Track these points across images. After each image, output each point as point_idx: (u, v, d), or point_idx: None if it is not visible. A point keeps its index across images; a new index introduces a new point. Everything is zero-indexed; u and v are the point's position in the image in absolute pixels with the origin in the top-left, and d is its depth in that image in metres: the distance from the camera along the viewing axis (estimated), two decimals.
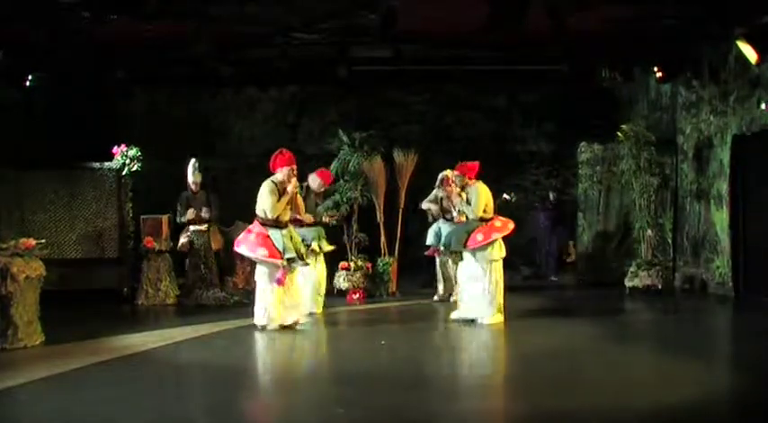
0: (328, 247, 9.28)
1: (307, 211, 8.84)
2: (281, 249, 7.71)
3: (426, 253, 9.72)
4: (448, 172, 9.30)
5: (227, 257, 10.78)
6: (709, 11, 8.94)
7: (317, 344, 7.41)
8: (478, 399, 5.36)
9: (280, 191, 7.84)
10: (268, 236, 7.79)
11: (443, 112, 14.05)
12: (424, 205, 10.13)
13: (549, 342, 7.38)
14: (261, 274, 7.90)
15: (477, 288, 8.22)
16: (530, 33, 9.05)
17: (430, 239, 9.62)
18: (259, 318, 7.88)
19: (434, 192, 10.01)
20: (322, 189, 9.54)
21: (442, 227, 9.53)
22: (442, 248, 9.02)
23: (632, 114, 12.66)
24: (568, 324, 8.48)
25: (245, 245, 7.89)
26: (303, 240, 8.46)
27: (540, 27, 8.75)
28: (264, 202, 7.82)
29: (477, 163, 8.60)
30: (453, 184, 8.64)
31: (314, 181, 9.41)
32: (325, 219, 9.53)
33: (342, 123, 12.30)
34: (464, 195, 8.39)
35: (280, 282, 7.70)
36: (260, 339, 7.94)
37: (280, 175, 7.89)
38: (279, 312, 7.81)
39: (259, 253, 7.76)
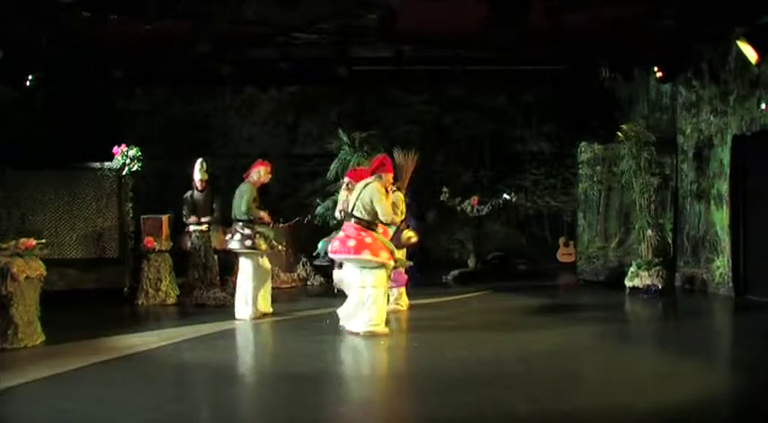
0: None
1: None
2: (392, 250, 7.67)
3: None
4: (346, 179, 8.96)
5: (228, 257, 10.77)
6: (709, 11, 8.95)
7: (317, 344, 7.39)
8: (478, 398, 5.35)
9: None
10: (377, 238, 7.63)
11: (443, 112, 14.06)
12: None
13: (549, 342, 7.38)
14: (374, 277, 7.58)
15: (353, 295, 7.85)
16: (530, 33, 9.06)
17: None
18: (366, 322, 7.56)
19: None
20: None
21: None
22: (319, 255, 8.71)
23: (632, 114, 12.66)
24: (568, 324, 8.47)
25: (368, 250, 7.52)
26: (267, 237, 8.54)
27: (540, 27, 8.75)
28: (381, 202, 7.55)
29: (366, 169, 8.36)
30: (347, 190, 8.44)
31: (267, 174, 8.89)
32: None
33: (342, 123, 12.30)
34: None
35: (400, 280, 7.51)
36: (260, 339, 7.94)
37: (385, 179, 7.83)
38: (384, 315, 7.70)
39: (382, 256, 7.53)
